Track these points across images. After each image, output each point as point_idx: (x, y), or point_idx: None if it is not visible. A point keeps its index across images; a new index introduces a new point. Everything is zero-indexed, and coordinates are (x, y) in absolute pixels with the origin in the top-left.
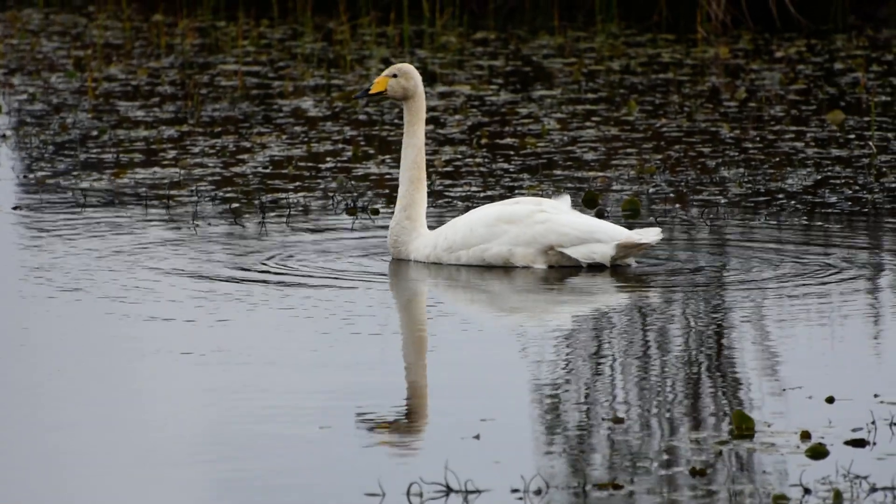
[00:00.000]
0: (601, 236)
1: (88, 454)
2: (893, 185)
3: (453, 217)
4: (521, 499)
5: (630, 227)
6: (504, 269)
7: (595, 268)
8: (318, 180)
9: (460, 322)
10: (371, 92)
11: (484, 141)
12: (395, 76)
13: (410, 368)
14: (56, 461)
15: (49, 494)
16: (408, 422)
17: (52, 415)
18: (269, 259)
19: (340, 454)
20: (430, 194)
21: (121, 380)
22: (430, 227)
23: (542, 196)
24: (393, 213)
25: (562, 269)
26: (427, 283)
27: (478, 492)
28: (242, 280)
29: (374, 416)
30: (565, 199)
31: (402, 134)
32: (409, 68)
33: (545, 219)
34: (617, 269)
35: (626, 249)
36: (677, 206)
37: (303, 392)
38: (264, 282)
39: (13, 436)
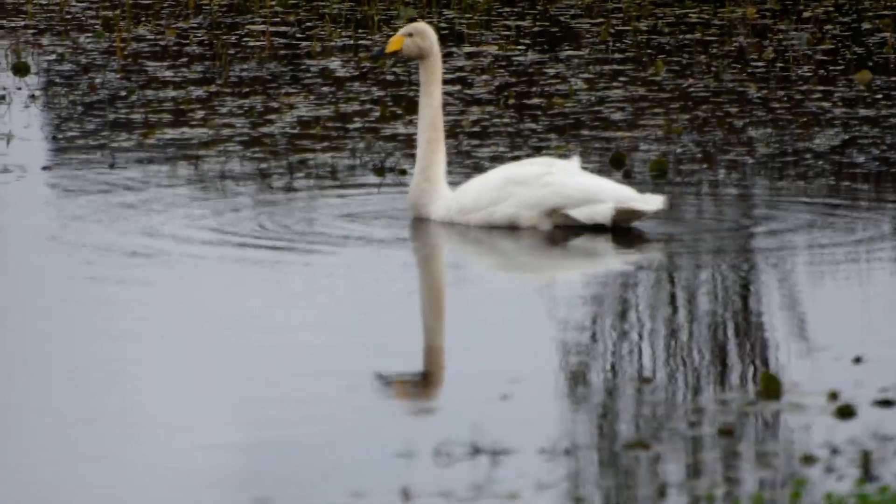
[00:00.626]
0: (603, 196)
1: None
2: None
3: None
4: (548, 459)
5: (656, 190)
6: (512, 229)
7: (616, 230)
8: (346, 140)
9: (480, 284)
10: (386, 51)
11: (511, 101)
12: (410, 35)
13: (432, 330)
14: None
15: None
16: (432, 383)
17: (82, 376)
18: (292, 221)
19: (367, 416)
20: (457, 154)
21: (142, 343)
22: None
23: (555, 157)
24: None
25: (570, 230)
26: (444, 245)
27: (505, 452)
28: (262, 243)
29: (398, 377)
30: (575, 161)
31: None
32: (424, 27)
33: (550, 181)
34: (640, 229)
35: (624, 214)
36: (704, 166)
37: (326, 354)
38: (288, 243)
39: (56, 391)
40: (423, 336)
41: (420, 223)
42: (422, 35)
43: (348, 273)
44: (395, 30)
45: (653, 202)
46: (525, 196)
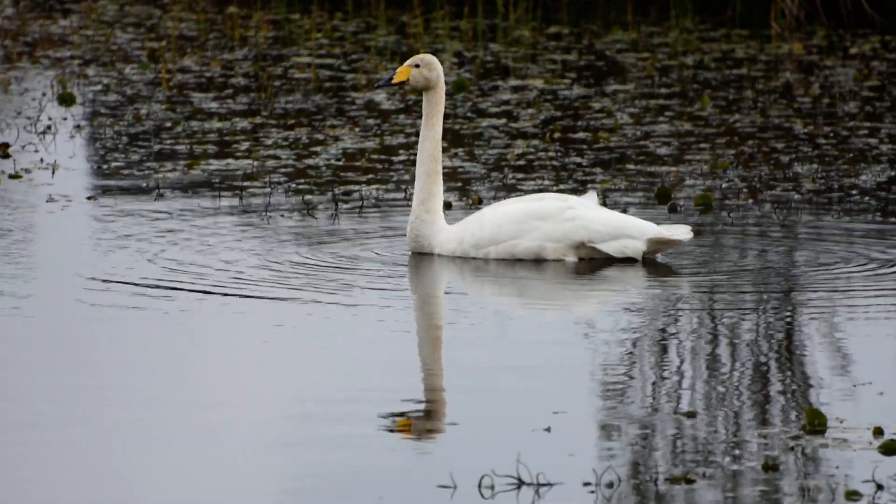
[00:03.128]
0: (632, 232)
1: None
2: None
3: None
4: (592, 492)
5: (702, 225)
6: (536, 262)
7: (645, 262)
8: (391, 173)
9: (514, 317)
10: (393, 81)
11: (557, 135)
12: (417, 66)
13: (433, 371)
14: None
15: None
16: (434, 420)
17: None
18: (333, 250)
19: (410, 448)
20: (503, 187)
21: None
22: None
23: (568, 193)
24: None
25: (596, 262)
26: (466, 279)
27: (549, 485)
28: (295, 272)
29: (440, 413)
30: (592, 196)
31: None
32: (431, 59)
33: (574, 216)
34: (670, 264)
35: (656, 245)
36: (750, 201)
37: (358, 389)
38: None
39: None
40: (424, 376)
41: (423, 257)
42: (429, 66)
43: (371, 308)
44: (442, 63)
45: (682, 231)
46: (549, 229)
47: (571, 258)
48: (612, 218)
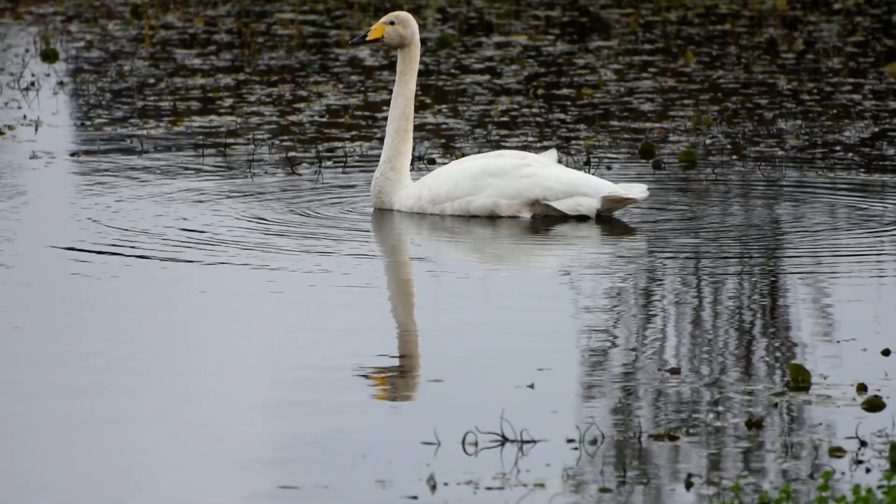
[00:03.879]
0: (586, 190)
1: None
2: None
3: None
4: (576, 448)
5: (687, 181)
6: (490, 218)
7: (602, 219)
8: (375, 129)
9: (480, 277)
10: (367, 39)
11: (540, 91)
12: (392, 23)
13: (405, 321)
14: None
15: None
16: (409, 375)
17: (107, 377)
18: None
19: (392, 407)
20: (487, 144)
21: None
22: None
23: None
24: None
25: (550, 219)
26: (426, 238)
27: (533, 441)
28: (269, 230)
29: (419, 372)
30: (552, 154)
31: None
32: (406, 16)
33: (530, 172)
34: (656, 215)
35: (611, 203)
36: (734, 157)
37: (334, 353)
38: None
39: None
40: (398, 327)
41: (384, 213)
42: (403, 24)
43: (344, 268)
44: (425, 19)
45: (638, 190)
46: (504, 186)
47: (526, 215)
48: (567, 176)
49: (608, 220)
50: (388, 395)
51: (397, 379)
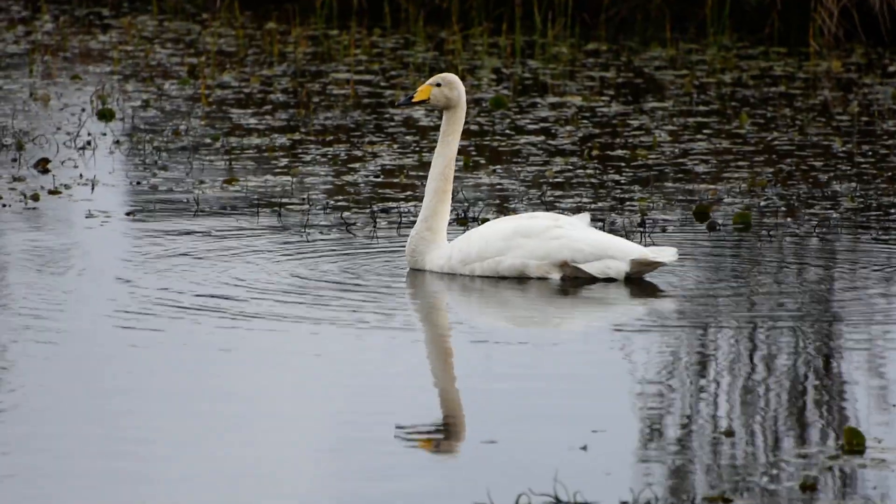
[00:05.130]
0: (615, 252)
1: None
2: None
3: None
4: None
5: (741, 242)
6: (520, 279)
7: (639, 282)
8: None
9: (524, 335)
10: (414, 100)
11: (595, 152)
12: (438, 85)
13: (447, 385)
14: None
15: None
16: (453, 436)
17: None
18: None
19: (444, 467)
20: (541, 205)
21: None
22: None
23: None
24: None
25: (579, 280)
26: (459, 297)
27: (586, 503)
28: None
29: (465, 431)
30: (584, 217)
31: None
32: (453, 78)
33: (560, 234)
34: (710, 276)
35: (640, 266)
36: (788, 219)
37: (377, 411)
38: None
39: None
40: (440, 392)
41: (417, 273)
42: (450, 86)
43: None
44: (480, 80)
45: (668, 253)
46: (534, 247)
47: (555, 276)
48: (596, 238)
49: (650, 281)
50: (441, 454)
51: (450, 440)
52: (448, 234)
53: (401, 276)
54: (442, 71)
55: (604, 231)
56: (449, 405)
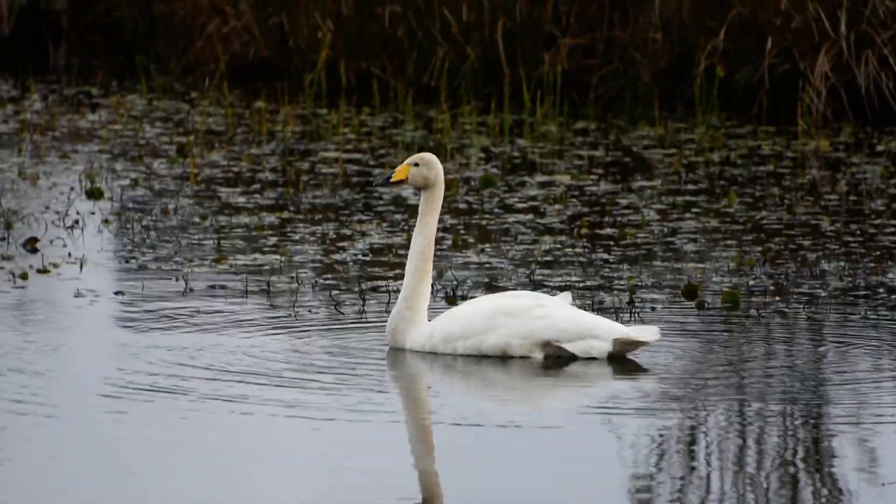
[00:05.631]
0: (598, 332)
1: None
2: None
3: None
4: None
5: (730, 321)
6: (503, 359)
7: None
8: None
9: (515, 416)
10: (392, 180)
11: (584, 231)
12: (416, 165)
13: (425, 460)
14: None
15: None
16: None
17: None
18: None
19: None
20: (529, 283)
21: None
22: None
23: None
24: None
25: (562, 360)
26: (441, 378)
27: None
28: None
29: None
30: (566, 296)
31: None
32: (431, 158)
33: (543, 314)
34: (699, 357)
35: (622, 345)
36: (777, 298)
37: (374, 493)
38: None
39: None
40: (418, 467)
41: (397, 353)
42: (428, 165)
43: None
44: (468, 158)
45: (650, 333)
46: (517, 326)
47: (538, 355)
48: (579, 318)
49: (631, 361)
50: None
51: None
52: (434, 312)
53: (382, 355)
54: (431, 150)
55: (592, 309)
56: (428, 488)
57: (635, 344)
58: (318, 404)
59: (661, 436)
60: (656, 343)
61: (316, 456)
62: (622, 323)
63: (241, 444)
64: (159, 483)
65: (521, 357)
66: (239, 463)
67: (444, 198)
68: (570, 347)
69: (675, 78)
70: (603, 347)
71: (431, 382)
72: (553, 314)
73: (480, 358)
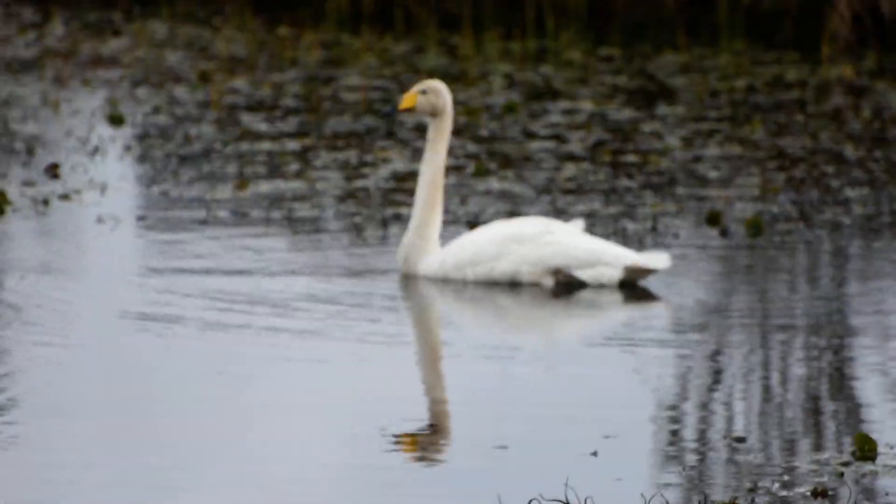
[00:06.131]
0: (608, 259)
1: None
2: None
3: None
4: None
5: (753, 248)
6: (512, 285)
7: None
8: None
9: (527, 341)
10: (399, 108)
11: (607, 158)
12: (424, 92)
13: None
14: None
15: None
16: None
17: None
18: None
19: (456, 473)
20: (552, 211)
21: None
22: None
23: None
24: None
25: (573, 286)
26: (455, 305)
27: None
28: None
29: (493, 435)
30: (578, 223)
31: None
32: (438, 85)
33: (553, 240)
34: (721, 283)
35: (632, 273)
36: (801, 225)
37: (384, 422)
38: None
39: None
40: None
41: (410, 281)
42: (436, 93)
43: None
44: (491, 84)
45: (661, 260)
46: (527, 253)
47: (548, 282)
48: (589, 245)
49: (648, 288)
50: (452, 460)
51: (459, 445)
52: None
53: (393, 281)
54: (455, 77)
55: (615, 237)
56: (444, 416)
57: (646, 271)
58: (329, 334)
59: (679, 360)
60: (672, 271)
61: (325, 384)
62: (638, 250)
63: (252, 373)
64: (175, 408)
65: (530, 284)
66: (247, 392)
67: (468, 125)
68: (580, 274)
69: (699, 4)
70: (613, 275)
71: (443, 311)
72: (563, 241)
73: (491, 284)
